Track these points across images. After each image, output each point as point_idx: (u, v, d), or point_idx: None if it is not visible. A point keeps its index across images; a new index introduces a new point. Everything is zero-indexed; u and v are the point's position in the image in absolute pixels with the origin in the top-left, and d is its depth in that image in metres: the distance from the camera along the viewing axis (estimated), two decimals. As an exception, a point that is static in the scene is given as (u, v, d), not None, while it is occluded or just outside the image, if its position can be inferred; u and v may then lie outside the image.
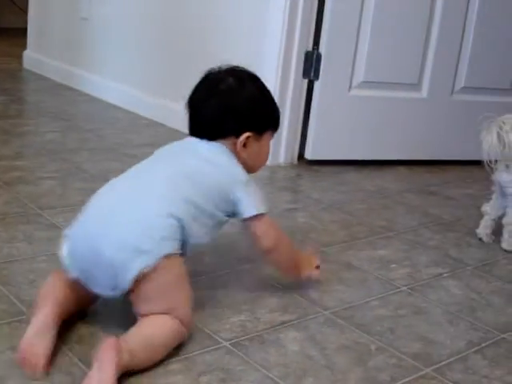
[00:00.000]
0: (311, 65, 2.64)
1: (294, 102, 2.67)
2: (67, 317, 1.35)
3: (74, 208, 1.99)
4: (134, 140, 2.85)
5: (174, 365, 1.28)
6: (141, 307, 1.33)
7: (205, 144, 1.50)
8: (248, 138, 1.52)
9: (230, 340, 1.38)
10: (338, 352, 1.38)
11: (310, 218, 2.14)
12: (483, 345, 1.49)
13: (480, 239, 2.12)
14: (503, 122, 1.99)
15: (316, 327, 1.47)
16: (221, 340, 1.38)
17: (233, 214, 1.49)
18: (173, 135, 2.97)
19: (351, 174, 2.68)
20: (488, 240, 2.11)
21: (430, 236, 2.11)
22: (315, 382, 1.27)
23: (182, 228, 1.36)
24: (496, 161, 2.04)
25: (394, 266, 1.86)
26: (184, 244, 1.38)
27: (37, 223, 1.88)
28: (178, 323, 1.32)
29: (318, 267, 1.64)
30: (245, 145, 1.52)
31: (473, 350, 1.46)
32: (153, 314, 1.31)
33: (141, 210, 1.35)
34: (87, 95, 3.60)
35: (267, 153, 1.61)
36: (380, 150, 2.82)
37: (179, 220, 1.35)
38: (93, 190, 2.10)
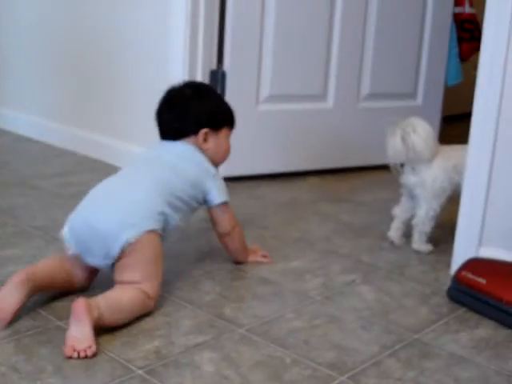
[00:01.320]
0: (217, 83, 2.65)
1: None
2: (45, 289, 1.62)
3: (-20, 246, 1.95)
4: (43, 171, 2.81)
5: (87, 398, 1.26)
6: (119, 274, 1.60)
7: (176, 145, 1.83)
8: (206, 133, 1.84)
9: (144, 368, 1.37)
10: (254, 369, 1.39)
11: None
12: (396, 347, 1.52)
13: (392, 242, 2.16)
14: (407, 125, 2.04)
15: (231, 346, 1.48)
16: (135, 368, 1.37)
17: (203, 202, 1.82)
18: (84, 163, 2.95)
19: (264, 188, 2.70)
20: (399, 242, 2.16)
21: (342, 243, 2.15)
22: (230, 401, 1.27)
23: (165, 217, 1.67)
24: (402, 164, 2.09)
25: (308, 276, 1.88)
26: (164, 230, 1.67)
27: None
28: (145, 296, 1.56)
29: (264, 256, 1.96)
30: (205, 140, 1.84)
31: (386, 353, 1.49)
32: (127, 282, 1.57)
33: (131, 196, 1.66)
34: (-5, 128, 3.53)
35: (227, 148, 1.91)
36: (290, 161, 2.85)
37: (163, 213, 1.66)
38: (1, 226, 2.06)
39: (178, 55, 2.63)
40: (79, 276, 1.68)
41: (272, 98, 2.73)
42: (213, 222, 1.87)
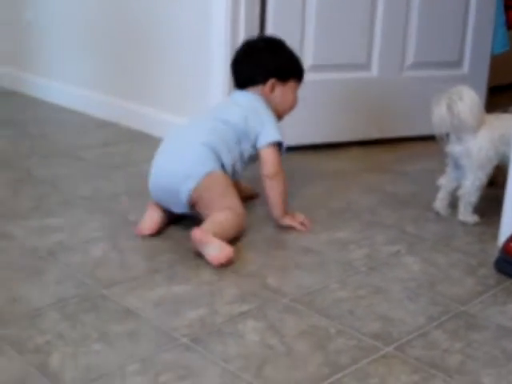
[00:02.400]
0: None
1: (245, 90, 2.65)
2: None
3: (26, 215, 1.97)
4: (85, 142, 2.81)
5: (132, 366, 1.26)
6: (204, 215, 1.81)
7: (241, 93, 2.01)
8: (273, 83, 1.99)
9: (189, 336, 1.37)
10: (298, 338, 1.38)
11: (266, 204, 2.12)
12: (443, 318, 1.49)
13: (437, 213, 2.13)
14: (453, 93, 2.00)
15: (275, 315, 1.46)
16: (179, 337, 1.36)
17: (256, 145, 1.94)
18: (125, 134, 2.95)
19: (308, 159, 2.67)
20: (445, 213, 2.12)
21: (387, 214, 2.11)
22: (275, 370, 1.26)
23: (217, 154, 1.86)
24: (448, 133, 2.05)
25: (352, 246, 1.85)
26: (223, 167, 1.87)
27: (-12, 233, 1.85)
28: (233, 212, 1.80)
29: (302, 224, 1.95)
30: (272, 89, 2.00)
31: (433, 324, 1.46)
32: None
33: (186, 150, 1.87)
34: (36, 99, 3.54)
35: (293, 99, 2.05)
36: (334, 132, 2.81)
37: (213, 148, 1.85)
38: (44, 196, 2.08)
39: (220, 24, 2.60)
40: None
41: (315, 68, 2.68)
42: (260, 164, 1.96)
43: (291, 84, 2.04)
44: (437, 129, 2.04)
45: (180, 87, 2.85)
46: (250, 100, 1.98)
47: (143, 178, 2.06)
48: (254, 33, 2.60)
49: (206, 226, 1.75)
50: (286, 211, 1.96)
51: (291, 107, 2.07)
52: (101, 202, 2.11)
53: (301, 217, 1.97)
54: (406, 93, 2.90)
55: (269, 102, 2.00)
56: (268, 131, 1.94)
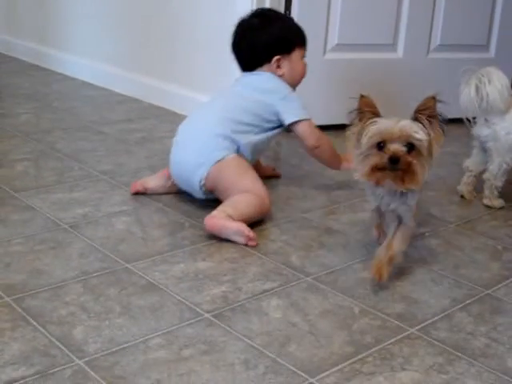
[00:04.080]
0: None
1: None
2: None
3: (48, 189, 1.97)
4: (108, 117, 2.81)
5: (155, 340, 1.26)
6: (225, 199, 1.78)
7: (251, 75, 1.98)
8: (278, 60, 1.96)
9: (212, 312, 1.36)
10: (322, 317, 1.37)
11: (289, 184, 2.11)
12: (468, 302, 1.48)
13: (462, 196, 2.10)
14: (482, 75, 1.96)
15: (298, 294, 1.45)
16: (202, 312, 1.36)
17: (280, 124, 1.94)
18: (148, 110, 2.94)
19: (330, 138, 2.64)
20: (470, 197, 2.10)
21: (411, 196, 2.09)
22: (299, 348, 1.25)
23: (232, 140, 1.83)
24: (474, 116, 2.02)
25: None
26: (238, 150, 1.85)
27: (12, 206, 1.84)
28: (255, 195, 1.77)
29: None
30: (279, 66, 1.97)
31: (457, 307, 1.45)
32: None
33: (198, 139, 1.85)
34: (59, 74, 3.54)
35: (302, 68, 2.02)
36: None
37: (226, 135, 1.82)
38: (67, 169, 2.08)
39: (246, 1, 2.57)
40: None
41: (340, 47, 2.66)
42: (299, 139, 1.99)
43: (296, 53, 2.00)
44: (464, 110, 2.01)
45: (203, 64, 2.83)
46: (263, 80, 1.96)
47: (165, 154, 2.04)
48: (281, 12, 2.58)
49: (221, 208, 1.73)
50: (341, 158, 2.06)
51: (302, 76, 2.04)
52: (123, 176, 2.11)
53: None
54: (431, 75, 2.86)
55: (279, 77, 1.98)
56: (292, 108, 1.94)
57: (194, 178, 1.83)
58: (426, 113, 1.48)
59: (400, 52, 2.81)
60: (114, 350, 1.22)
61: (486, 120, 2.01)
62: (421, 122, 1.47)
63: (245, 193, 1.78)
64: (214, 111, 1.90)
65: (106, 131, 2.58)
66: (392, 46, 2.79)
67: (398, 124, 1.46)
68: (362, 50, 2.71)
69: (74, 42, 3.53)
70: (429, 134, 1.47)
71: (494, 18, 2.98)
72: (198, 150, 1.83)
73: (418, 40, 2.83)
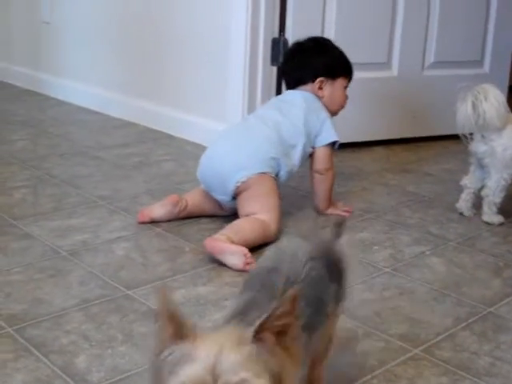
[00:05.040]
0: (279, 51, 2.60)
1: (265, 89, 2.63)
2: (194, 214, 1.97)
3: (46, 216, 1.96)
4: (104, 142, 2.81)
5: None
6: (240, 209, 1.86)
7: (293, 93, 2.06)
8: (322, 81, 2.05)
9: (214, 337, 1.35)
10: (325, 340, 1.36)
11: (288, 206, 2.11)
12: (470, 320, 1.47)
13: (461, 213, 2.10)
14: (478, 92, 1.97)
15: (301, 317, 1.45)
16: (204, 338, 1.35)
17: (313, 145, 2.00)
18: (144, 134, 2.94)
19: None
20: (469, 214, 2.10)
21: (410, 214, 2.09)
22: (303, 373, 1.25)
23: (277, 162, 1.90)
24: (471, 132, 2.03)
25: (376, 248, 1.84)
26: (277, 174, 1.91)
27: (11, 234, 1.84)
28: (263, 222, 1.80)
29: (346, 211, 2.06)
30: (321, 88, 2.04)
31: (460, 326, 1.45)
32: (247, 214, 1.83)
33: (247, 142, 1.91)
34: (55, 99, 3.54)
35: (342, 97, 2.10)
36: (355, 131, 2.79)
37: (275, 158, 1.90)
38: (64, 196, 2.07)
39: (240, 24, 2.58)
40: (211, 206, 1.98)
41: (335, 67, 2.67)
42: (312, 160, 2.03)
43: (340, 82, 2.08)
44: (461, 127, 2.01)
45: (198, 87, 2.84)
46: (305, 99, 2.02)
47: (163, 178, 2.05)
48: (274, 33, 2.60)
49: (223, 231, 1.75)
50: (330, 204, 2.08)
51: (341, 104, 2.11)
52: (121, 202, 2.10)
53: (342, 205, 2.10)
54: (427, 92, 2.87)
55: (319, 99, 2.06)
56: (327, 131, 2.01)
57: (232, 176, 1.86)
58: (277, 325, 0.80)
59: (395, 70, 2.82)
60: (117, 378, 1.22)
61: (482, 136, 2.02)
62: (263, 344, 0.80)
63: (251, 218, 1.82)
64: (269, 126, 1.96)
65: (103, 156, 2.58)
66: (387, 65, 2.80)
67: (213, 369, 0.75)
68: (357, 68, 2.69)
69: (69, 67, 3.54)
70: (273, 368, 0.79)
71: (488, 33, 2.99)
72: (248, 154, 1.89)
73: (412, 58, 2.84)
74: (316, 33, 2.56)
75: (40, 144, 2.74)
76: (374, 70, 2.76)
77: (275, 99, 2.17)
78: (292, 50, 2.15)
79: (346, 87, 2.11)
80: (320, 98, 2.05)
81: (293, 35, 2.54)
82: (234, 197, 1.89)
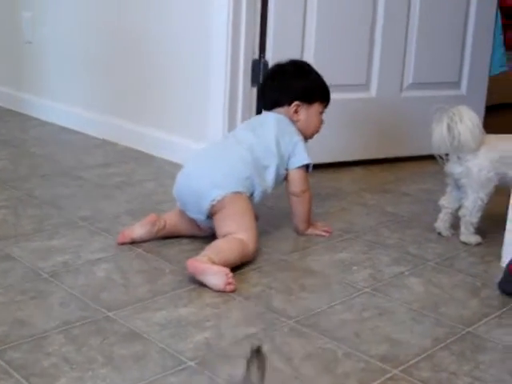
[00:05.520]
0: (259, 72, 2.63)
1: (245, 109, 2.66)
2: (173, 234, 1.98)
3: (27, 237, 1.96)
4: (86, 162, 2.81)
5: (139, 390, 1.25)
6: (217, 229, 1.87)
7: (268, 115, 2.08)
8: (298, 105, 2.06)
9: (195, 359, 1.36)
10: (305, 361, 1.37)
11: (267, 225, 2.13)
12: (449, 340, 1.49)
13: (439, 234, 2.13)
14: (453, 113, 2.00)
15: (281, 338, 1.46)
16: (185, 360, 1.36)
17: (287, 167, 2.02)
18: (125, 153, 2.95)
19: (309, 178, 2.66)
20: (447, 234, 2.12)
21: (388, 235, 2.12)
22: (283, 394, 1.26)
23: (251, 182, 1.91)
24: (447, 153, 2.06)
25: (355, 268, 1.85)
26: (252, 193, 1.92)
27: (-9, 255, 1.84)
28: (241, 242, 1.80)
29: (326, 231, 2.08)
30: (296, 111, 2.06)
31: (439, 346, 1.46)
32: (224, 234, 1.83)
33: (226, 164, 1.93)
34: (36, 119, 3.54)
35: (317, 121, 2.11)
36: (334, 152, 2.82)
37: (249, 177, 1.91)
38: (46, 216, 2.07)
39: (221, 45, 2.61)
40: (189, 226, 1.98)
41: (314, 88, 2.70)
42: (287, 182, 2.05)
43: (316, 107, 2.10)
44: (436, 148, 2.05)
45: (179, 108, 2.86)
46: (278, 122, 2.04)
47: (144, 198, 2.06)
48: (254, 55, 2.62)
49: (204, 252, 1.75)
50: (309, 224, 2.09)
51: (316, 129, 2.13)
52: (102, 222, 2.11)
53: (322, 225, 2.12)
54: (405, 113, 2.91)
55: (293, 123, 2.07)
56: (299, 153, 2.02)
57: (207, 194, 1.87)
58: None
59: (373, 91, 2.85)
60: (98, 401, 1.22)
61: (458, 157, 2.04)
62: None
63: (230, 238, 1.81)
64: (243, 147, 1.97)
65: (85, 176, 2.58)
66: (365, 86, 2.83)
67: None
68: (336, 90, 2.73)
69: (51, 86, 3.54)
70: None
71: (465, 55, 3.04)
72: (220, 172, 1.90)
73: (390, 79, 2.88)
74: (295, 54, 2.60)
75: (21, 164, 2.74)
76: (353, 92, 2.80)
77: (251, 120, 2.19)
78: (271, 72, 2.17)
79: (321, 112, 2.13)
80: (295, 121, 2.07)
81: (273, 57, 2.58)
82: (209, 216, 1.89)
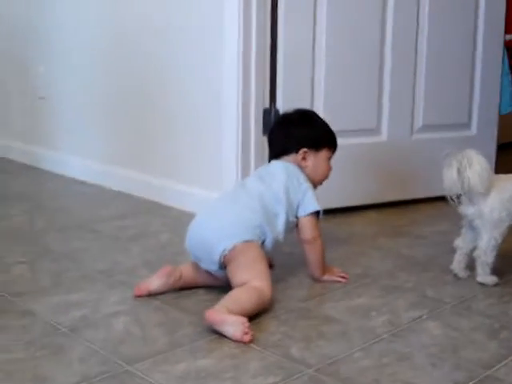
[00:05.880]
0: (270, 121, 2.66)
1: (258, 158, 2.68)
2: (190, 284, 1.98)
3: (45, 292, 1.98)
4: (101, 214, 2.84)
5: None
6: (232, 279, 1.87)
7: (277, 164, 2.10)
8: (305, 152, 2.10)
9: (216, 411, 1.36)
10: (326, 410, 1.37)
11: (285, 273, 2.13)
12: (469, 384, 1.48)
13: (455, 275, 2.13)
14: (462, 157, 2.02)
15: (301, 387, 1.46)
16: (206, 412, 1.36)
17: (296, 215, 2.03)
18: (141, 205, 2.97)
19: (322, 224, 2.66)
20: (463, 275, 2.12)
21: (405, 278, 2.12)
22: None
23: (262, 230, 1.93)
24: (459, 195, 2.07)
25: (373, 313, 1.85)
26: (262, 243, 1.93)
27: (10, 311, 1.85)
28: (257, 289, 1.80)
29: (342, 277, 2.08)
30: (304, 158, 2.09)
31: (460, 391, 1.45)
32: (239, 284, 1.82)
33: (231, 211, 1.96)
34: (52, 173, 3.58)
35: (325, 168, 2.15)
36: (347, 197, 2.83)
37: (259, 226, 1.93)
38: (63, 270, 2.09)
39: (232, 95, 2.65)
40: (205, 277, 1.98)
41: (326, 134, 2.72)
42: (298, 230, 2.06)
43: (323, 153, 2.14)
44: (448, 191, 2.06)
45: (193, 158, 2.89)
46: (286, 170, 2.07)
47: (159, 249, 2.08)
48: (265, 104, 2.66)
49: (222, 302, 1.76)
50: (325, 270, 2.09)
51: (324, 176, 2.16)
52: (119, 275, 2.12)
53: (338, 271, 2.12)
54: (417, 155, 2.93)
55: (302, 169, 2.10)
56: (308, 201, 2.04)
57: (217, 246, 1.88)
58: None
59: (384, 135, 2.88)
60: None
61: (470, 199, 2.06)
62: None
63: (246, 287, 1.81)
64: (252, 197, 2.00)
65: (100, 229, 2.61)
66: (376, 131, 2.86)
67: None
68: (347, 135, 2.76)
69: (64, 140, 3.59)
70: None
71: (474, 95, 3.07)
72: (229, 223, 1.93)
73: (401, 123, 2.90)
74: (305, 102, 2.65)
75: (37, 218, 2.77)
76: (365, 136, 2.83)
77: (259, 169, 2.20)
78: (277, 122, 2.22)
79: (329, 158, 2.16)
80: (303, 168, 2.10)
81: (283, 105, 2.61)
82: (223, 266, 1.90)
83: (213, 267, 1.92)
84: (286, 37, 2.63)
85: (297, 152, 2.10)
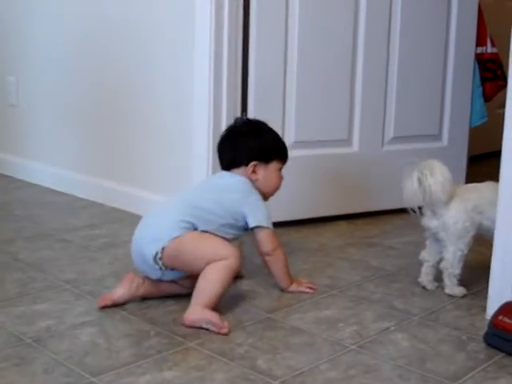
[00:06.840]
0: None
1: (229, 168, 2.67)
2: (154, 294, 1.97)
3: (11, 302, 1.95)
4: (71, 223, 2.81)
5: None
6: (193, 273, 1.88)
7: (223, 175, 2.10)
8: (255, 165, 2.06)
9: (180, 424, 1.35)
10: (291, 423, 1.36)
11: (253, 284, 2.13)
12: (435, 397, 1.48)
13: (423, 287, 2.13)
14: (424, 167, 2.02)
15: (266, 399, 1.45)
16: (170, 425, 1.34)
17: (246, 225, 2.01)
18: (111, 214, 2.95)
19: (292, 235, 2.68)
20: (431, 287, 2.12)
21: (373, 289, 2.12)
22: None
23: (190, 224, 1.91)
24: (420, 207, 2.07)
25: (341, 325, 1.85)
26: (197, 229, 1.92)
27: (-26, 322, 1.82)
28: (217, 262, 1.83)
29: (310, 287, 2.08)
30: (254, 172, 2.06)
31: (425, 403, 1.45)
32: (196, 275, 1.85)
33: (161, 217, 1.97)
34: (21, 181, 3.55)
35: (276, 179, 2.12)
36: (317, 207, 2.83)
37: (186, 221, 1.91)
38: (30, 280, 2.07)
39: (203, 103, 2.64)
40: (167, 285, 1.98)
41: (297, 144, 2.73)
42: (257, 244, 2.04)
43: (273, 165, 2.11)
44: (408, 203, 2.07)
45: (163, 167, 2.88)
46: (234, 182, 2.05)
47: (129, 259, 2.05)
48: (236, 113, 2.65)
49: (193, 302, 1.80)
50: (291, 280, 2.07)
51: (275, 188, 2.13)
52: (87, 285, 2.10)
53: (306, 281, 2.11)
54: (388, 166, 2.93)
55: (252, 182, 2.07)
56: (256, 213, 2.00)
57: (148, 251, 1.89)
58: None
59: (355, 146, 2.89)
60: None
61: (432, 211, 2.07)
62: None
63: (206, 272, 1.84)
64: (179, 199, 2.03)
65: (69, 238, 2.58)
66: (347, 141, 2.87)
67: None
68: (319, 146, 2.78)
69: (35, 148, 3.56)
70: None
71: (445, 107, 3.09)
72: (156, 227, 1.93)
73: (372, 134, 2.91)
74: (277, 114, 2.65)
75: (5, 227, 2.74)
76: (336, 147, 2.83)
77: (204, 180, 2.23)
78: (226, 133, 2.17)
79: (280, 169, 2.13)
80: (254, 181, 2.07)
81: (254, 114, 2.60)
82: (168, 268, 1.90)
83: (158, 274, 1.92)
84: (258, 46, 2.63)
85: (246, 165, 2.07)
